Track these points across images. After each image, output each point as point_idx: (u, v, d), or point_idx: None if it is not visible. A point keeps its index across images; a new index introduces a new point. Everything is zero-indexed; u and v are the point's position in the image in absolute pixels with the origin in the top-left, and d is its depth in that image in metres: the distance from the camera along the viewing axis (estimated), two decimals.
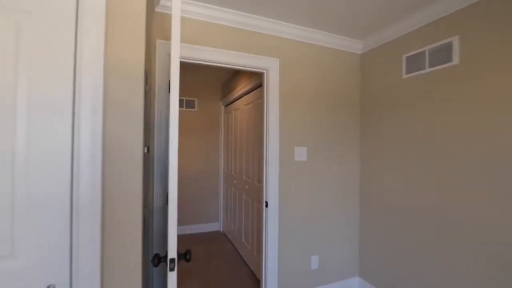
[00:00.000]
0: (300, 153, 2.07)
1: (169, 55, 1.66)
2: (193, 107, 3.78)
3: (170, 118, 0.91)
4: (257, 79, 2.47)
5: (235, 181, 3.23)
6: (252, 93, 2.70)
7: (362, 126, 2.28)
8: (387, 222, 2.00)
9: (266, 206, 1.96)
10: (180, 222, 3.69)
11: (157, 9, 1.65)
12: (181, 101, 3.70)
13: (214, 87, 3.90)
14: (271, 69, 1.96)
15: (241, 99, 3.05)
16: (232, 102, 3.47)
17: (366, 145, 2.22)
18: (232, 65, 1.84)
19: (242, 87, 2.90)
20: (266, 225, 1.96)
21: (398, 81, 1.94)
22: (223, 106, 3.89)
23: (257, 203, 2.50)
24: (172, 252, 0.89)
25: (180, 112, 3.71)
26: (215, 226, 3.88)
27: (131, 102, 0.97)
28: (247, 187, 2.77)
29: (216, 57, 1.78)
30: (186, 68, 3.20)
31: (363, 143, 2.26)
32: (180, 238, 3.53)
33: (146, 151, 1.20)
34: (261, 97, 2.43)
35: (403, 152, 1.89)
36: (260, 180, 2.43)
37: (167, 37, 1.69)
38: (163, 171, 1.62)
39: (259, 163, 2.45)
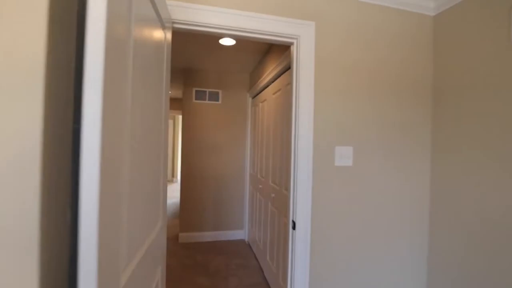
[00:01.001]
0: (343, 155, 1.48)
1: None
2: (217, 100, 3.37)
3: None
4: (286, 59, 1.93)
5: (260, 186, 2.73)
6: (281, 77, 2.16)
7: (434, 119, 1.60)
8: (474, 261, 1.31)
9: (293, 227, 1.42)
10: (199, 227, 3.32)
11: None
12: (203, 93, 3.32)
13: (241, 76, 3.44)
14: (303, 37, 1.40)
15: (269, 87, 2.53)
16: (259, 92, 2.97)
17: (443, 148, 1.54)
18: (243, 31, 1.33)
19: (270, 71, 2.38)
20: (293, 254, 1.42)
21: (502, 48, 1.23)
22: (250, 98, 3.41)
23: (285, 217, 1.97)
24: None
25: (201, 105, 3.32)
26: (239, 234, 3.43)
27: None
28: (273, 195, 2.25)
29: (222, 20, 1.28)
30: (209, 55, 2.79)
31: (437, 144, 1.58)
32: (200, 246, 3.16)
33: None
34: (290, 81, 1.88)
35: None
36: (288, 189, 1.90)
37: None
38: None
39: (287, 167, 1.91)
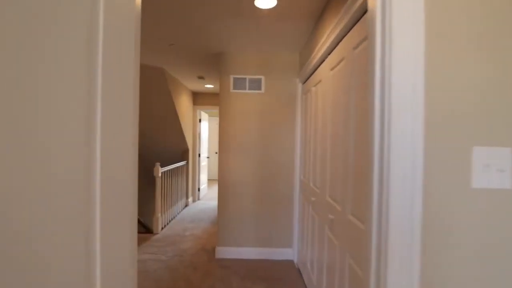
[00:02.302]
0: (493, 167, 0.70)
1: None
2: (259, 89, 2.76)
3: None
4: (355, 3, 1.18)
5: (313, 198, 2.02)
6: (344, 40, 1.41)
7: None
8: None
9: None
10: (239, 242, 2.77)
11: None
12: (242, 81, 2.75)
13: (288, 57, 2.76)
14: None
15: (325, 62, 1.79)
16: (312, 73, 2.24)
17: None
18: None
19: (327, 36, 1.64)
20: None
21: None
22: (300, 84, 2.70)
23: (352, 258, 1.24)
24: None
25: (241, 96, 2.76)
26: (287, 254, 2.78)
27: None
28: (331, 216, 1.53)
29: None
30: (245, 31, 2.19)
31: None
32: (239, 264, 2.61)
33: None
34: (361, 39, 1.13)
35: None
36: (360, 217, 1.16)
37: None
38: None
39: (360, 181, 1.17)
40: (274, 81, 2.76)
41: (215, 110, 5.35)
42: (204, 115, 5.55)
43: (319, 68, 1.96)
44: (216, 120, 7.71)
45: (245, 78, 2.75)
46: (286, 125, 2.76)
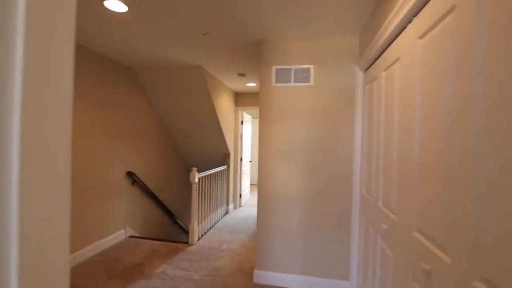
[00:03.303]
0: None
1: None
2: (307, 81, 2.26)
3: None
4: None
5: (385, 226, 1.44)
6: None
7: None
8: None
9: None
10: (282, 267, 2.29)
11: None
12: (286, 72, 2.28)
13: (344, 40, 2.20)
14: None
15: (406, 30, 1.22)
16: (379, 55, 1.67)
17: None
18: None
19: None
20: None
21: None
22: (360, 73, 2.12)
23: None
24: None
25: (285, 90, 2.30)
26: (342, 287, 2.20)
27: None
28: (427, 266, 0.96)
29: None
30: (290, 9, 1.74)
31: None
32: None
33: None
34: None
35: None
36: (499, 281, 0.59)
37: None
38: None
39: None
40: (326, 70, 2.23)
41: (257, 111, 4.98)
42: (246, 117, 5.23)
43: (393, 43, 1.39)
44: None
45: (290, 69, 2.28)
46: (342, 125, 2.20)
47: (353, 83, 2.18)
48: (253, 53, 2.66)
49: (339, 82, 2.20)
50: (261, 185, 2.35)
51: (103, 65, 2.89)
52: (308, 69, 2.25)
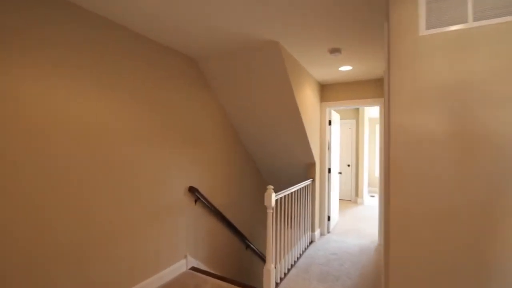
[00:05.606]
0: None
1: None
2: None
3: None
4: None
5: None
6: None
7: None
8: None
9: None
10: None
11: None
12: (453, 2, 1.09)
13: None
14: None
15: None
16: None
17: None
18: None
19: None
20: None
21: None
22: None
23: None
24: None
25: (450, 41, 1.10)
26: None
27: None
28: None
29: None
30: None
31: None
32: None
33: None
34: None
35: None
36: None
37: None
38: None
39: None
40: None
41: (351, 107, 3.72)
42: (335, 116, 4.05)
43: None
44: (347, 124, 5.97)
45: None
46: None
47: None
48: (360, 7, 1.55)
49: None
50: (395, 228, 1.20)
51: (160, 56, 2.31)
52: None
